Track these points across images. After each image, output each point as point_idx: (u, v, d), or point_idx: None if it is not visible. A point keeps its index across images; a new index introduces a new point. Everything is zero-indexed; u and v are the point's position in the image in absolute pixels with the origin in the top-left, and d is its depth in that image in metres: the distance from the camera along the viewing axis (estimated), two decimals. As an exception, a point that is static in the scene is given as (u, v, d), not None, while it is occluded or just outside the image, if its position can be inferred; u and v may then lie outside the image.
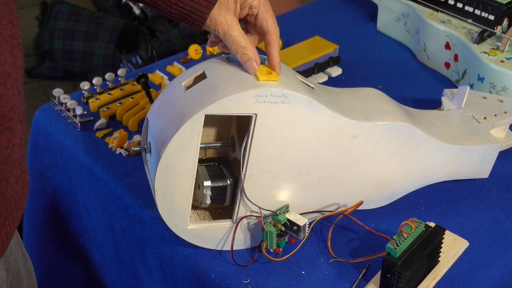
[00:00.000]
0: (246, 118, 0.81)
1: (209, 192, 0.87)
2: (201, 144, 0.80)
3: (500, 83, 1.16)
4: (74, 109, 1.12)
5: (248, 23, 0.85)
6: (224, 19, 0.79)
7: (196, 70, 0.84)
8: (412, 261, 0.79)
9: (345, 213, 0.90)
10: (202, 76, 0.82)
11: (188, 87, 0.82)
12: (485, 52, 1.19)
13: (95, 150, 1.08)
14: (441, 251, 0.86)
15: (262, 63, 0.82)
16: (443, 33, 1.27)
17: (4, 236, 0.65)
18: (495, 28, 1.22)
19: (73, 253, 1.24)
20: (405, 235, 0.80)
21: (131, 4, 2.14)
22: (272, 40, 0.82)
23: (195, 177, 0.81)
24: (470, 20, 1.27)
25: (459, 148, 0.96)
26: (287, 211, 0.87)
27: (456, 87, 1.23)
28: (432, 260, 0.85)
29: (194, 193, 0.84)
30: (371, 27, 1.48)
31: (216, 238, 0.88)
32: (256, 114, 0.79)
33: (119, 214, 1.01)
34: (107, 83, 1.21)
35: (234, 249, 0.87)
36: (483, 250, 0.90)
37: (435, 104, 1.18)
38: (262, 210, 0.85)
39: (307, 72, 1.24)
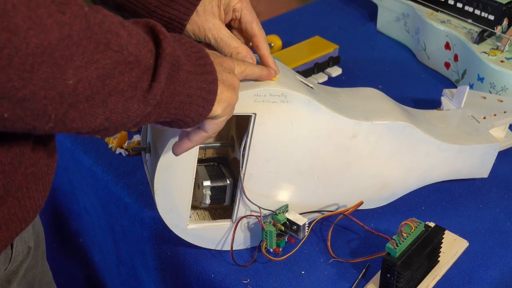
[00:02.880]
0: (245, 118, 0.81)
1: (208, 192, 0.87)
2: (200, 144, 0.80)
3: (500, 83, 1.16)
4: (74, 109, 1.12)
5: (231, 29, 0.85)
6: (212, 24, 0.78)
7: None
8: (412, 261, 0.79)
9: (345, 213, 0.90)
10: (202, 76, 0.82)
11: (187, 87, 0.81)
12: (485, 52, 1.19)
13: (95, 150, 1.08)
14: (441, 251, 0.86)
15: (257, 62, 0.81)
16: (443, 33, 1.27)
17: (47, 184, 0.67)
18: (495, 28, 1.22)
19: (73, 253, 1.24)
20: (404, 235, 0.80)
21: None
22: (260, 42, 0.81)
23: (194, 177, 0.81)
24: (470, 20, 1.27)
25: (458, 148, 0.96)
26: (287, 211, 0.86)
27: (456, 87, 1.23)
28: (432, 260, 0.85)
29: (194, 193, 0.84)
30: (371, 27, 1.48)
31: (216, 238, 0.88)
32: (255, 114, 0.78)
33: (119, 214, 1.01)
34: (107, 83, 1.21)
35: (234, 249, 0.87)
36: (483, 250, 0.90)
37: (435, 104, 1.18)
38: (261, 210, 0.85)
39: (307, 72, 1.24)
